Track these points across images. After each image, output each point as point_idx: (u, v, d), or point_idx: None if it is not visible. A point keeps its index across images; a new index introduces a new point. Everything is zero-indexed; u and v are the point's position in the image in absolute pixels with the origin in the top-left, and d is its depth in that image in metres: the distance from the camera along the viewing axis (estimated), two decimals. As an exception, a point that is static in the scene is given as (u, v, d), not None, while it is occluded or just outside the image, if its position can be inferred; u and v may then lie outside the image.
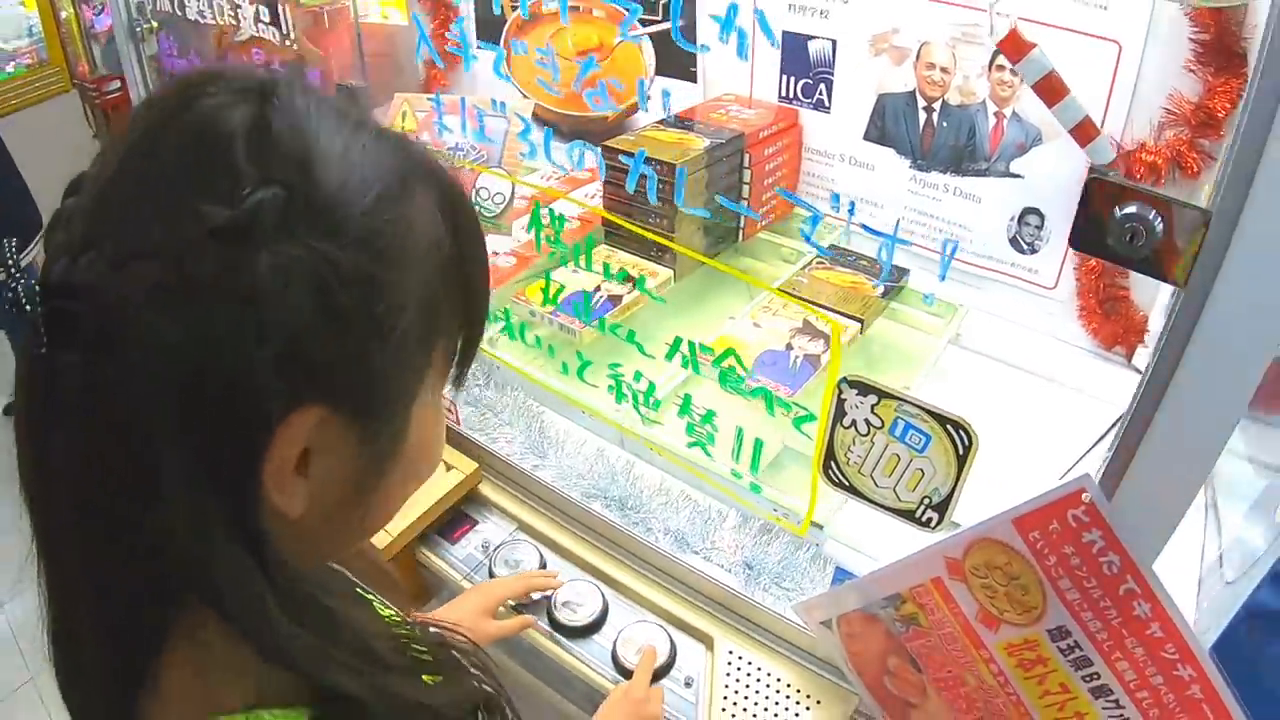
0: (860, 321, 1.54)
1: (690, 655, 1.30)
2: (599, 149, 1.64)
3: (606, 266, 1.55)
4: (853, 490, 1.07)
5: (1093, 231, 0.80)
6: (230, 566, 0.54)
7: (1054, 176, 1.56)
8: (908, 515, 1.05)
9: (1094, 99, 1.46)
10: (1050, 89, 1.08)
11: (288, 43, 1.62)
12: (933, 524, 1.04)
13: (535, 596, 1.38)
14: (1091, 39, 1.44)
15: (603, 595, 1.37)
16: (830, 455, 1.07)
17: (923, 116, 1.67)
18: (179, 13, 1.78)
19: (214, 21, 1.73)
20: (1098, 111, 1.47)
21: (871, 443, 1.02)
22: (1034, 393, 1.58)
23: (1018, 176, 1.60)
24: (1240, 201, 0.67)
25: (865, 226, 1.32)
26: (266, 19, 1.62)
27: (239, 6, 1.66)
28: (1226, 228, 0.69)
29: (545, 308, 1.54)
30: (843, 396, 1.01)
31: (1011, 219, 1.64)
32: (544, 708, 1.42)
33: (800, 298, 1.60)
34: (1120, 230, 0.77)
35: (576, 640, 1.33)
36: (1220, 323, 0.72)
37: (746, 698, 1.23)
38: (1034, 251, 1.64)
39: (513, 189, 1.33)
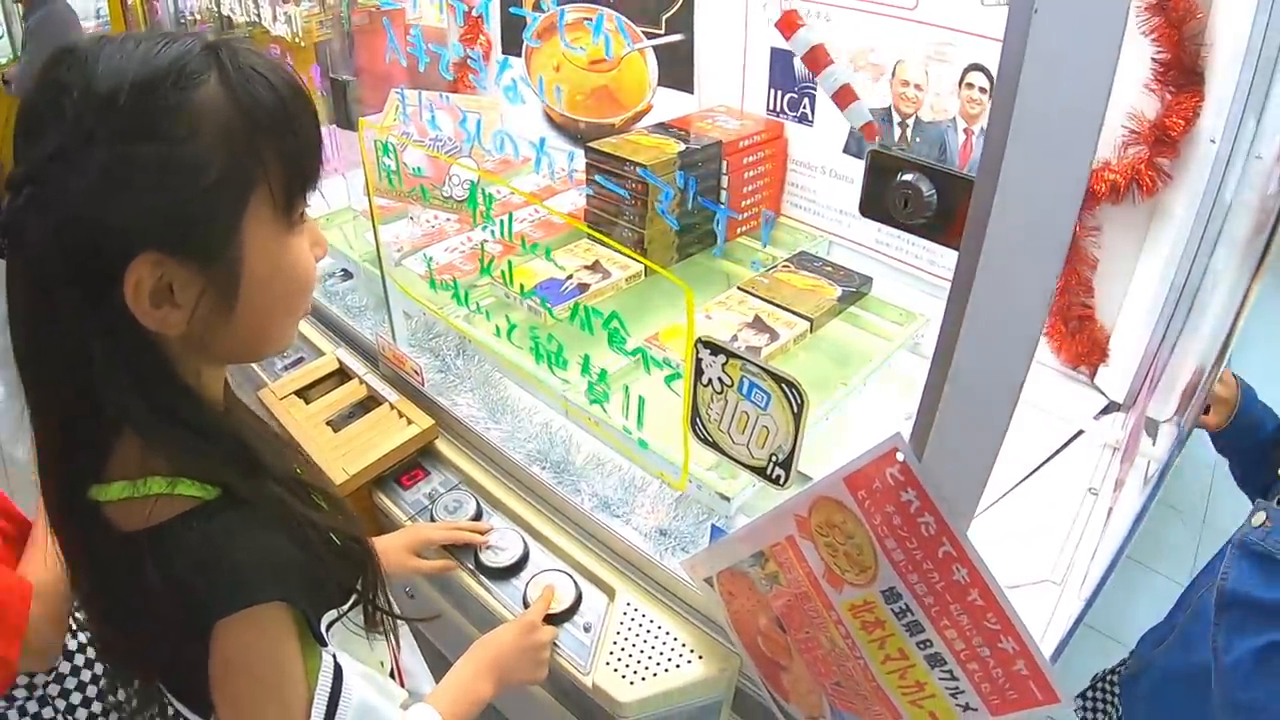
0: (809, 321, 1.62)
1: (593, 603, 1.39)
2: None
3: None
4: (716, 447, 1.15)
5: (875, 199, 0.88)
6: (107, 374, 0.77)
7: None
8: (761, 473, 1.13)
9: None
10: (815, 60, 1.30)
11: (297, 40, 1.77)
12: (781, 481, 1.11)
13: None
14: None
15: (525, 543, 1.47)
16: (695, 412, 1.15)
17: (897, 131, 1.74)
18: (216, 9, 1.96)
19: (244, 18, 1.90)
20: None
21: (725, 400, 1.10)
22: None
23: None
24: (996, 167, 0.74)
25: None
26: (283, 19, 1.78)
27: (260, 7, 1.83)
28: (987, 192, 0.75)
29: (515, 290, 1.65)
30: (699, 356, 1.10)
31: (976, 233, 1.69)
32: (462, 639, 1.52)
33: (754, 294, 1.68)
34: (896, 197, 0.85)
35: (496, 581, 1.44)
36: (993, 281, 0.77)
37: (636, 646, 1.31)
38: (996, 266, 1.69)
39: (477, 179, 1.44)
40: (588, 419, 1.47)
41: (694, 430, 1.17)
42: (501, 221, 1.48)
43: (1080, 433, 1.63)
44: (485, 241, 1.61)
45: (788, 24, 1.19)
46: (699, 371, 1.12)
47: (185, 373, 0.84)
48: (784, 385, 1.04)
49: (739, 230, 1.92)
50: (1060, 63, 0.68)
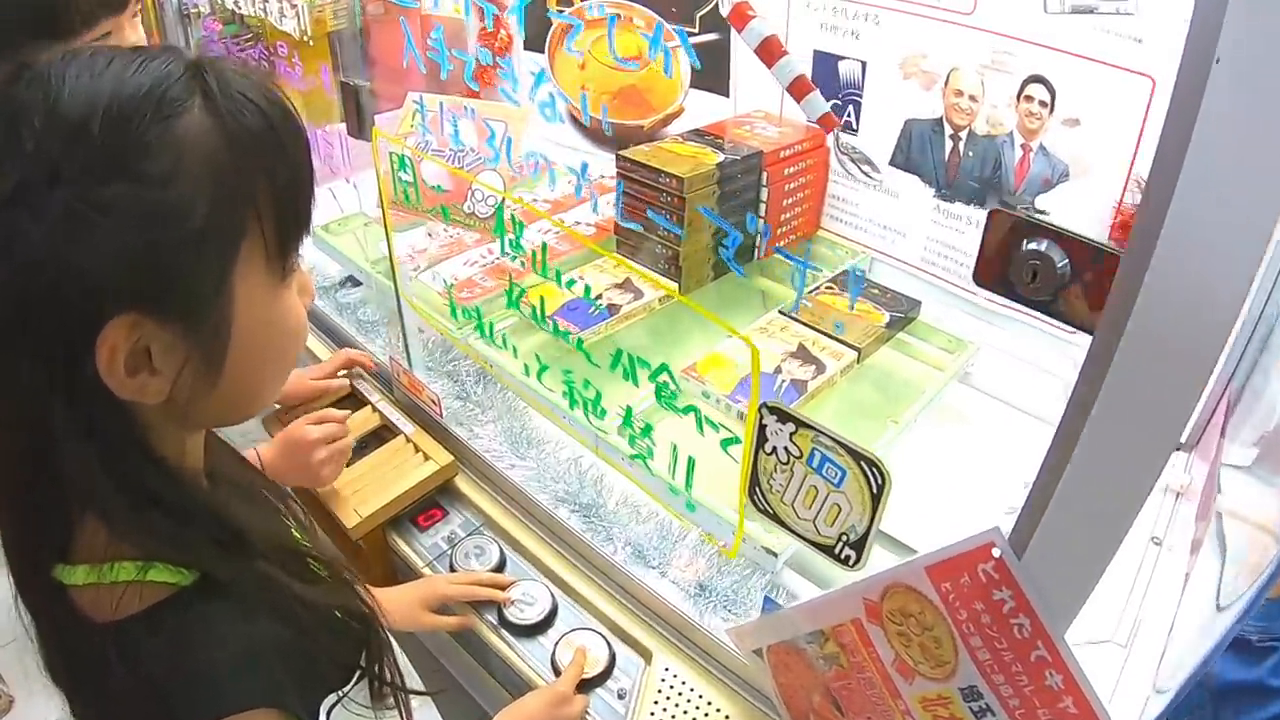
0: (857, 351, 1.50)
1: (628, 667, 1.28)
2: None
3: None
4: (776, 519, 1.04)
5: (995, 266, 0.76)
6: (71, 451, 0.67)
7: (1080, 214, 1.50)
8: (828, 551, 1.01)
9: (1124, 135, 1.41)
10: (769, 51, 1.24)
11: (306, 38, 1.65)
12: (851, 562, 1.00)
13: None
14: (1124, 73, 1.38)
15: (553, 597, 1.36)
16: (755, 481, 1.04)
17: (949, 145, 1.63)
18: (223, 1, 1.84)
19: (248, 12, 1.78)
20: (1128, 147, 1.42)
21: (791, 472, 0.99)
22: (1036, 438, 1.51)
23: (1042, 212, 1.54)
24: (1151, 245, 0.62)
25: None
26: (289, 16, 1.66)
27: (268, 1, 1.71)
28: (1135, 272, 0.64)
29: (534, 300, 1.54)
30: (764, 422, 0.98)
31: (1033, 256, 1.58)
32: (488, 699, 1.44)
33: (797, 319, 1.57)
34: (1023, 267, 0.73)
35: (522, 638, 1.33)
36: (1129, 375, 0.65)
37: (675, 718, 1.21)
38: (1054, 292, 1.58)
39: (503, 195, 1.33)
40: (626, 472, 1.36)
41: (752, 499, 1.06)
42: (517, 235, 1.36)
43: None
44: (512, 272, 1.47)
45: (738, 15, 1.12)
46: (762, 439, 1.00)
47: (161, 442, 0.73)
48: (863, 462, 0.92)
49: (778, 246, 1.80)
50: (1244, 120, 0.56)
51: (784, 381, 1.43)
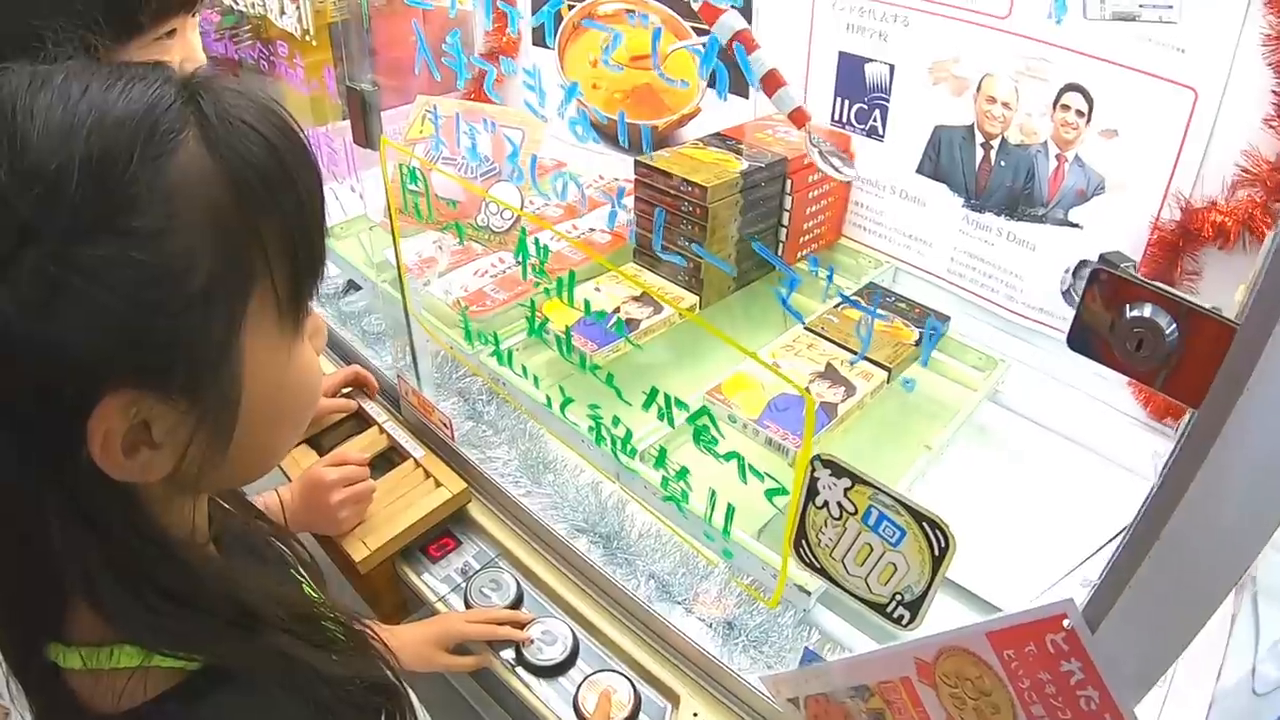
0: (887, 370, 1.44)
1: (654, 712, 1.22)
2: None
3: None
4: (823, 573, 0.98)
5: (1093, 332, 0.69)
6: (64, 541, 0.59)
7: (1115, 229, 1.45)
8: (879, 609, 0.95)
9: (1164, 148, 1.35)
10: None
11: (308, 38, 1.57)
12: (904, 622, 0.94)
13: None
14: (1165, 83, 1.32)
15: (574, 635, 1.29)
16: (802, 534, 0.98)
17: (979, 153, 1.56)
18: (221, -1, 1.76)
19: (246, 9, 1.69)
20: (1167, 162, 1.36)
21: (844, 528, 0.93)
22: (1071, 462, 1.46)
23: (1076, 226, 1.49)
24: (1273, 319, 0.56)
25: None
26: (288, 13, 1.57)
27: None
28: (1253, 347, 0.58)
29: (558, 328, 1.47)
30: (815, 475, 0.92)
31: (1066, 271, 1.53)
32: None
33: (824, 336, 1.51)
34: (1126, 334, 0.66)
35: (541, 679, 1.26)
36: (1235, 455, 0.59)
37: (705, 768, 1.15)
38: (1087, 308, 1.52)
39: (520, 202, 1.25)
40: (652, 510, 1.29)
41: (797, 552, 1.00)
42: (542, 260, 1.29)
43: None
44: (535, 294, 1.38)
45: (708, 10, 1.09)
46: (813, 491, 0.94)
47: (166, 515, 0.66)
48: (925, 523, 0.86)
49: (800, 255, 1.73)
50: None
51: (813, 405, 1.37)
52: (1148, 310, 0.64)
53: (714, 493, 1.12)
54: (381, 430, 1.58)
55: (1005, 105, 1.50)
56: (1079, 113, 1.42)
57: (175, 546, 0.65)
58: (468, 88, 2.06)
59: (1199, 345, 0.63)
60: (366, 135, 1.29)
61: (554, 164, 2.05)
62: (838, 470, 0.90)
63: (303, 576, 0.91)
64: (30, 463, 0.56)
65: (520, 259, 1.26)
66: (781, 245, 1.68)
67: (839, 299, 1.62)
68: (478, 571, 1.39)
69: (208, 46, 1.89)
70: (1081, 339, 0.69)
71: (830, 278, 1.42)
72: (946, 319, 1.60)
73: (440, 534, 1.45)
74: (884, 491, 0.88)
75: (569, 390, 1.32)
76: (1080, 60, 1.39)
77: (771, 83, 1.20)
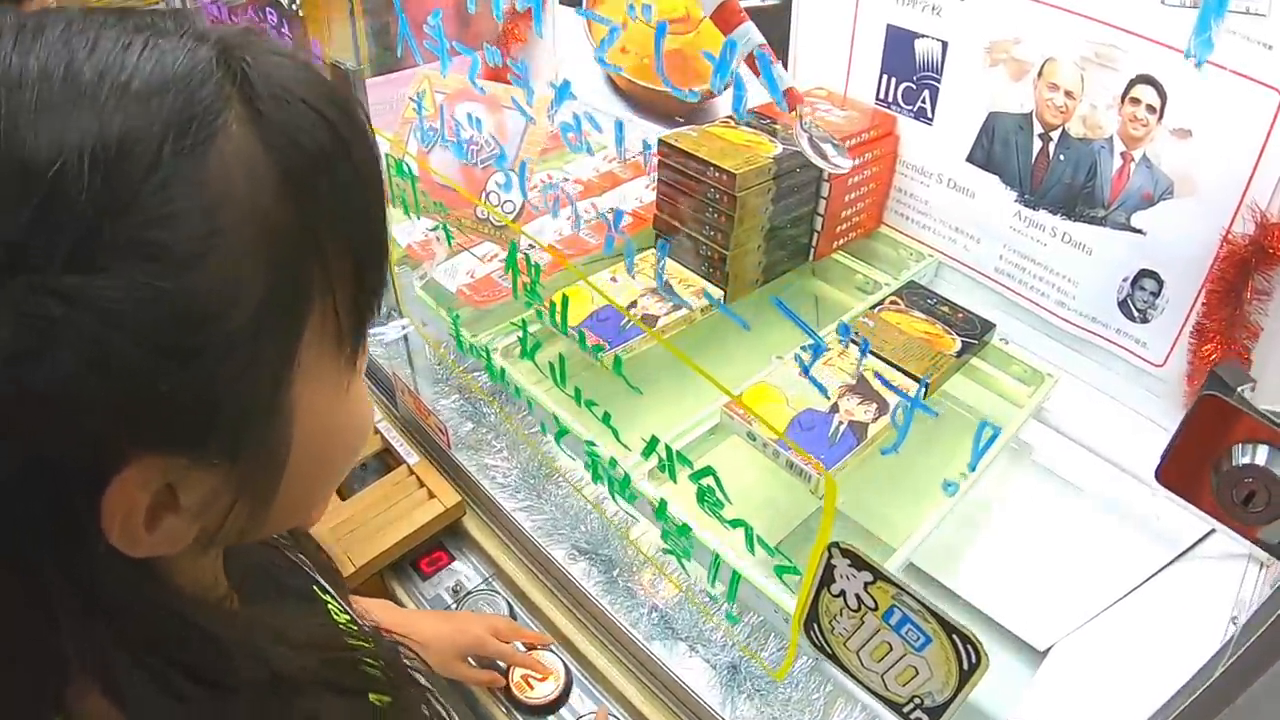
0: (925, 385, 1.32)
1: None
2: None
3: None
4: (835, 660, 0.88)
5: (1193, 465, 0.57)
6: (75, 635, 0.46)
7: (1181, 238, 1.31)
8: (894, 708, 0.85)
9: (1241, 153, 1.21)
10: (725, 19, 1.05)
11: (294, 6, 1.43)
12: (924, 725, 0.84)
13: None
14: (1248, 82, 1.18)
15: (567, 671, 1.20)
16: (814, 617, 0.87)
17: (1037, 145, 1.42)
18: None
19: None
20: (1243, 172, 1.22)
21: (861, 621, 0.82)
22: (1117, 490, 1.34)
23: (1139, 232, 1.35)
24: None
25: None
26: None
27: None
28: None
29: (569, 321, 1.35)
30: (832, 563, 0.81)
31: (1125, 279, 1.39)
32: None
33: (855, 340, 1.38)
34: (1234, 480, 0.54)
35: (529, 718, 1.17)
36: None
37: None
38: (1145, 320, 1.39)
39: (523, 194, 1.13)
40: (629, 539, 1.19)
41: (807, 634, 0.89)
42: (533, 281, 1.16)
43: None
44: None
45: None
46: (828, 578, 0.82)
47: (186, 575, 0.54)
48: (955, 636, 0.75)
49: (835, 245, 1.60)
50: None
51: (841, 424, 1.25)
52: (1264, 455, 0.53)
53: (718, 558, 1.01)
54: (375, 430, 1.47)
55: (1069, 94, 1.36)
56: (1150, 108, 1.28)
57: (199, 614, 0.52)
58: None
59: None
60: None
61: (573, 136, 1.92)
62: (858, 562, 0.79)
63: (328, 592, 0.82)
64: (33, 547, 0.43)
65: (510, 272, 1.14)
66: (817, 235, 1.55)
67: (877, 299, 1.49)
68: (469, 593, 1.30)
69: (203, 8, 1.76)
70: (1176, 473, 0.58)
71: (864, 350, 1.29)
72: (992, 326, 1.47)
73: (433, 547, 1.36)
74: (909, 593, 0.76)
75: (563, 421, 1.20)
76: (1155, 50, 1.25)
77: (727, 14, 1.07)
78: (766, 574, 1.07)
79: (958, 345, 1.41)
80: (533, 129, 1.18)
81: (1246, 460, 0.52)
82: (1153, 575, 1.24)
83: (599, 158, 1.84)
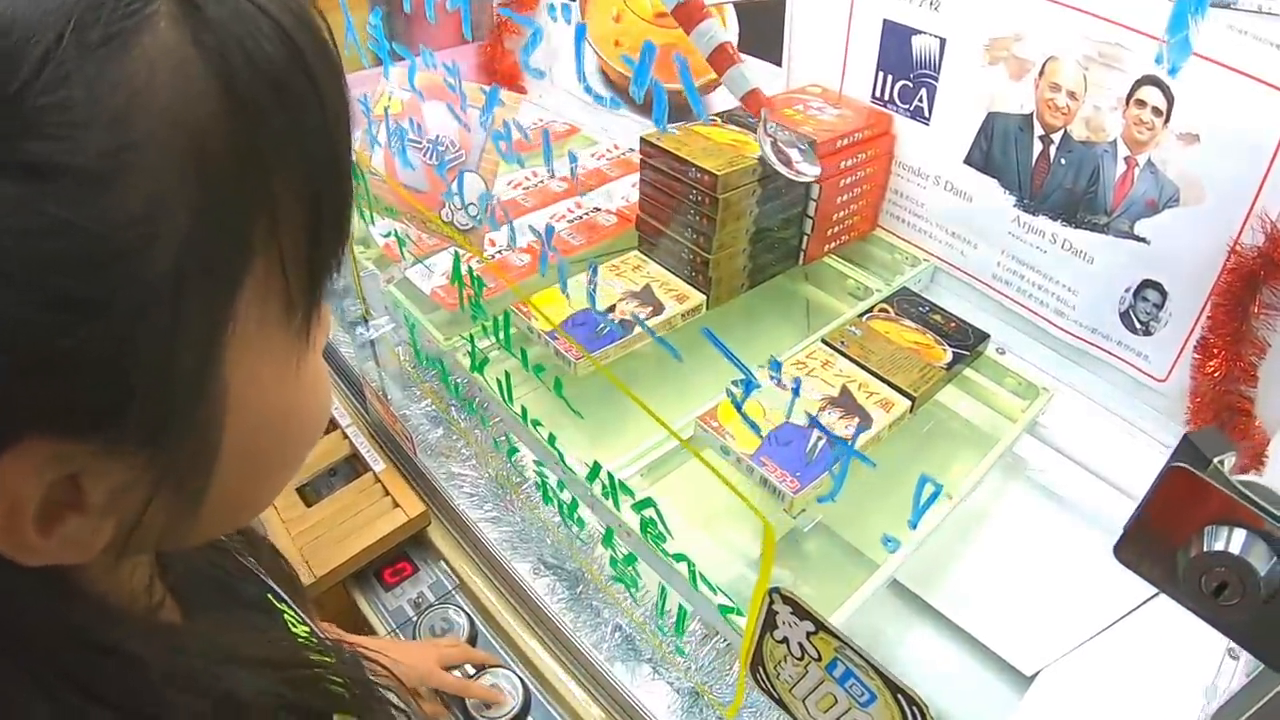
0: (911, 399, 1.26)
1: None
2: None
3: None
4: (783, 706, 0.82)
5: (1155, 547, 0.52)
6: None
7: (1187, 248, 1.24)
8: (846, 755, 0.80)
9: (1251, 160, 1.15)
10: (687, 14, 1.03)
11: None
12: (876, 773, 0.78)
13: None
14: (1260, 85, 1.12)
15: (526, 691, 1.15)
16: (759, 661, 0.82)
17: (1038, 147, 1.36)
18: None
19: None
20: (1253, 180, 1.15)
21: (805, 670, 0.77)
22: (1115, 509, 1.28)
23: (1142, 240, 1.29)
24: None
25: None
26: None
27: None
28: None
29: (543, 326, 1.30)
30: (774, 609, 0.76)
31: (1127, 290, 1.33)
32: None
33: (843, 352, 1.33)
34: (1203, 567, 0.49)
35: (485, 740, 1.13)
36: None
37: None
38: (1148, 333, 1.33)
39: (486, 194, 1.08)
40: (583, 561, 1.13)
41: (754, 677, 0.84)
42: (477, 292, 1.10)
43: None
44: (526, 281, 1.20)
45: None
46: (770, 624, 0.77)
47: (104, 583, 0.46)
48: (900, 696, 0.70)
49: (826, 248, 1.55)
50: None
51: (820, 439, 1.20)
52: (1240, 541, 0.47)
53: (664, 589, 0.96)
54: (344, 435, 1.43)
55: (1071, 95, 1.30)
56: (1156, 110, 1.22)
57: (122, 635, 0.44)
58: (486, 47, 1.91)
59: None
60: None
61: (566, 129, 1.88)
62: (799, 610, 0.73)
63: (285, 602, 0.73)
64: None
65: (454, 284, 1.09)
66: (807, 237, 1.49)
67: (865, 306, 1.43)
68: (430, 606, 1.25)
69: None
70: (1136, 552, 0.52)
71: (795, 391, 1.23)
72: (986, 336, 1.40)
73: (397, 557, 1.31)
74: (851, 648, 0.71)
75: (534, 409, 1.15)
76: (1161, 49, 1.18)
77: (723, 59, 1.01)
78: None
79: (948, 356, 1.35)
80: (507, 102, 1.12)
81: (1219, 545, 0.47)
82: (1146, 600, 1.18)
83: (586, 154, 1.79)
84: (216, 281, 0.38)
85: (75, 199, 0.32)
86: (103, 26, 0.33)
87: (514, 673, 1.18)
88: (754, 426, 1.08)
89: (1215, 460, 0.49)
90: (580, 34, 0.82)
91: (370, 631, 1.27)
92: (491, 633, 1.23)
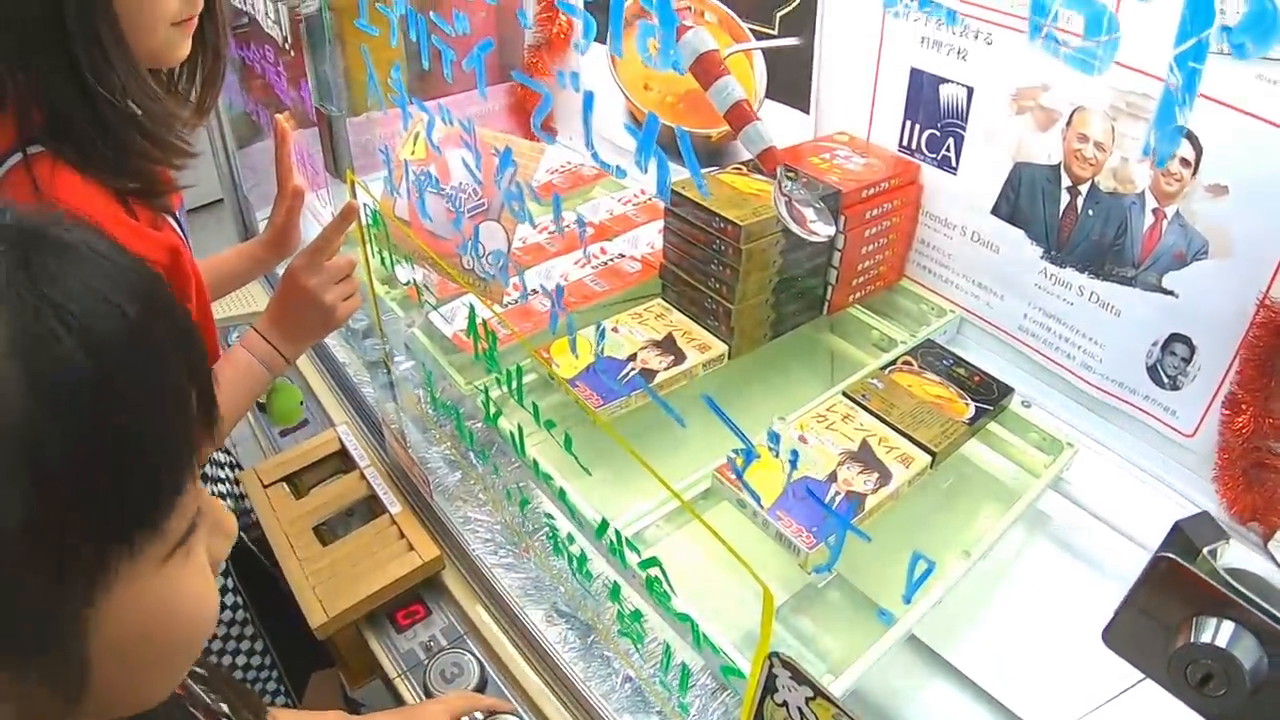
0: (932, 455, 1.25)
1: None
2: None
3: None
4: (784, 767, 0.81)
5: (1143, 634, 0.50)
6: None
7: (1215, 301, 1.22)
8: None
9: (1278, 214, 1.13)
10: (705, 71, 0.98)
11: (286, 45, 1.41)
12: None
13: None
14: (1272, 128, 1.10)
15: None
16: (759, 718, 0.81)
17: (1065, 198, 1.35)
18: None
19: (242, 6, 1.55)
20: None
21: (802, 731, 0.76)
22: (1137, 568, 1.25)
23: (1170, 293, 1.27)
24: None
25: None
26: (272, 18, 1.42)
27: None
28: None
29: (565, 373, 1.30)
30: (774, 672, 0.75)
31: (1155, 343, 1.31)
32: None
33: (865, 406, 1.32)
34: (1189, 658, 0.48)
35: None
36: None
37: None
38: (1175, 388, 1.31)
39: (507, 244, 1.08)
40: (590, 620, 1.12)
41: (755, 734, 0.83)
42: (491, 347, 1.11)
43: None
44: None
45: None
46: (770, 687, 0.76)
47: None
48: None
49: (852, 298, 1.54)
50: None
51: (838, 494, 1.19)
52: (1227, 634, 0.46)
53: (669, 647, 0.95)
54: (362, 476, 1.44)
55: (1098, 146, 1.29)
56: (1184, 162, 1.20)
57: None
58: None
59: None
60: (334, 162, 1.13)
61: (595, 173, 1.88)
62: (798, 676, 0.72)
63: None
64: None
65: (470, 338, 1.09)
66: (830, 288, 1.49)
67: (889, 359, 1.42)
68: (442, 651, 1.25)
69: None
70: (1125, 638, 0.51)
71: (793, 463, 1.22)
72: (1010, 390, 1.38)
73: (411, 599, 1.31)
74: (848, 715, 0.70)
75: (525, 493, 1.15)
76: (1150, 139, 1.17)
77: (739, 117, 1.02)
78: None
79: (971, 411, 1.33)
80: (525, 163, 1.13)
81: (1206, 638, 0.45)
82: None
83: (613, 199, 1.79)
84: (54, 559, 0.43)
85: None
86: None
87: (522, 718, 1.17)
88: (755, 496, 1.08)
89: (1205, 550, 0.48)
90: (588, 103, 0.82)
91: (381, 672, 1.26)
92: (502, 679, 1.22)
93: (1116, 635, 0.50)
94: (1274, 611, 0.45)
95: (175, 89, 1.18)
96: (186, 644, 0.55)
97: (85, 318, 0.44)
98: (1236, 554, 1.23)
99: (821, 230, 1.05)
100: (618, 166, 0.83)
